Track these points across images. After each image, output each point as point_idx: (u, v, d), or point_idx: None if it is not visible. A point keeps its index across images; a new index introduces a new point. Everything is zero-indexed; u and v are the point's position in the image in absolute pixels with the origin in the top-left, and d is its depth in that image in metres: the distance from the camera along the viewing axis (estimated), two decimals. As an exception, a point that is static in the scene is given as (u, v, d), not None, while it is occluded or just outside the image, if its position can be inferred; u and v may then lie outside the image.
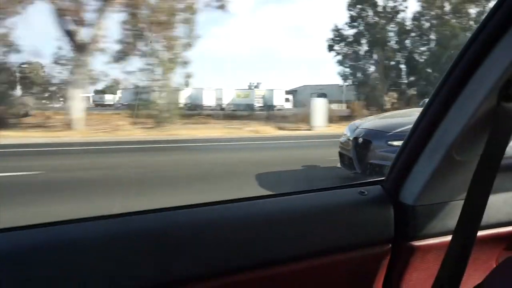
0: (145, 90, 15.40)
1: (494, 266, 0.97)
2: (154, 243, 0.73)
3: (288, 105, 28.49)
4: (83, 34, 12.81)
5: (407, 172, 0.92)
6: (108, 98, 29.69)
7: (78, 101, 13.02)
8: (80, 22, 12.69)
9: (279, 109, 26.11)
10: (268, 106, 27.03)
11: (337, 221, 0.89)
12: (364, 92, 21.46)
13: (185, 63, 15.42)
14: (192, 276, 0.74)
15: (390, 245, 0.93)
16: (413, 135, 0.90)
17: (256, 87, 30.46)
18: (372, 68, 22.96)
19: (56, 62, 13.99)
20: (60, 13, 12.45)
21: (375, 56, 22.38)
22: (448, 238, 0.80)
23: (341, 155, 5.12)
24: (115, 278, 0.68)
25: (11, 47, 13.36)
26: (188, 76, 16.30)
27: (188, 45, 14.90)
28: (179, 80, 15.77)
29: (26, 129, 11.94)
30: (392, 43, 22.46)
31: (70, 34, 12.79)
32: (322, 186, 0.98)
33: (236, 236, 0.79)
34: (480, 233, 0.76)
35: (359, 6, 22.32)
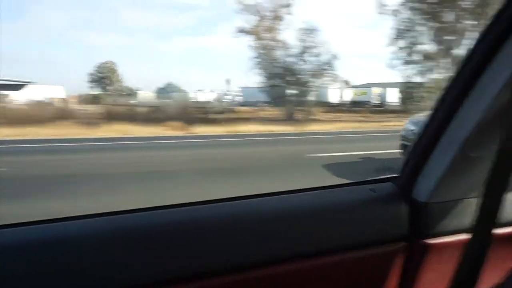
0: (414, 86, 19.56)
1: None
2: (152, 241, 0.73)
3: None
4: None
5: (420, 169, 0.90)
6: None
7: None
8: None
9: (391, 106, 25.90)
10: (383, 103, 27.05)
11: (348, 218, 0.88)
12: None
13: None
14: (192, 274, 0.74)
15: (404, 243, 0.91)
16: (426, 131, 0.88)
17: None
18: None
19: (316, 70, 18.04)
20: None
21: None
22: (463, 236, 0.77)
23: (404, 146, 5.61)
24: (110, 276, 0.69)
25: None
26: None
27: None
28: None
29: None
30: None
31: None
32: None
33: (244, 234, 0.78)
34: (497, 231, 0.72)
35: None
